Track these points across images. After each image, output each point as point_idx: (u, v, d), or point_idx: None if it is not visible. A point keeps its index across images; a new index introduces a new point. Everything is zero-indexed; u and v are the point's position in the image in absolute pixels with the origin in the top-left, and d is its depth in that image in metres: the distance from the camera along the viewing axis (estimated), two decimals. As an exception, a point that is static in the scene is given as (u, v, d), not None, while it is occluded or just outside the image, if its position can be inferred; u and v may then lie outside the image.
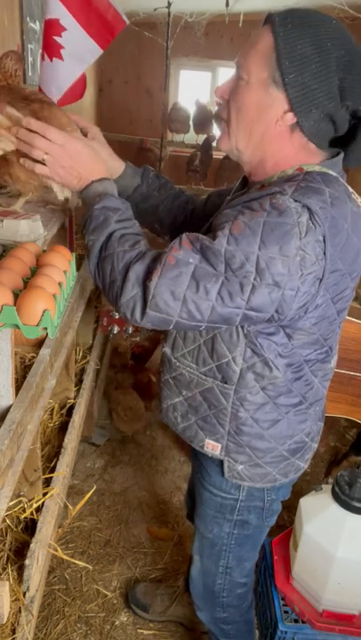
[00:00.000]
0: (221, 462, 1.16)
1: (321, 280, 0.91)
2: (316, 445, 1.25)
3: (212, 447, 1.14)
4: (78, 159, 1.07)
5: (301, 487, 2.44)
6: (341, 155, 1.00)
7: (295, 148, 0.98)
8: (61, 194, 1.23)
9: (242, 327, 1.00)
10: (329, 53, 0.88)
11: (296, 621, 1.63)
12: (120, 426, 2.65)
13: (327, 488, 1.64)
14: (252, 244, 0.87)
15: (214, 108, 4.49)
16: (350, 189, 0.99)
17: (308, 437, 1.17)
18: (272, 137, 0.97)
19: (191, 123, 4.46)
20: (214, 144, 4.35)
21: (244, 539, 1.25)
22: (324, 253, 0.89)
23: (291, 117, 0.93)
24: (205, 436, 1.14)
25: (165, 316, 0.92)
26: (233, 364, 1.04)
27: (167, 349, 1.17)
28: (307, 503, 1.66)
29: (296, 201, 0.87)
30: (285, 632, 1.61)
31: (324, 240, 0.88)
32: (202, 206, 1.35)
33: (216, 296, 0.90)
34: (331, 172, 0.96)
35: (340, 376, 1.86)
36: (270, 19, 0.92)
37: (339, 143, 1.00)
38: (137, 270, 0.93)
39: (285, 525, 2.15)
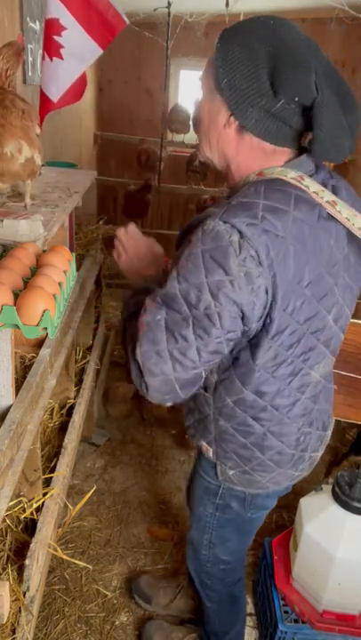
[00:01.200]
0: (214, 465, 1.20)
1: (268, 292, 0.91)
2: (317, 454, 1.24)
3: (206, 449, 1.20)
4: (143, 259, 1.18)
5: (301, 487, 2.43)
6: (305, 153, 1.00)
7: (251, 151, 0.98)
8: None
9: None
10: (256, 52, 0.90)
11: (296, 621, 1.64)
12: (107, 408, 2.80)
13: (327, 488, 1.64)
14: (199, 275, 0.89)
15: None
16: (318, 188, 0.96)
17: (295, 449, 1.14)
18: (225, 141, 1.00)
19: (191, 123, 4.47)
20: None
21: (225, 521, 1.30)
22: (262, 266, 0.89)
23: (233, 120, 0.96)
24: (201, 438, 1.19)
25: (162, 377, 0.95)
26: (210, 374, 1.08)
27: None
28: (307, 503, 1.66)
29: (225, 222, 0.88)
30: (285, 632, 1.61)
31: (258, 254, 0.88)
32: None
33: (194, 337, 0.92)
34: (289, 175, 0.95)
35: (357, 382, 1.84)
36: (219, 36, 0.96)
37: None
38: (130, 351, 0.98)
39: (285, 525, 2.16)
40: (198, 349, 0.93)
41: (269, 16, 0.95)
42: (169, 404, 1.03)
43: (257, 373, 1.02)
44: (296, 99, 0.88)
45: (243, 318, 0.93)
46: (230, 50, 0.92)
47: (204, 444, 1.19)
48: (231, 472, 1.17)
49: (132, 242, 1.19)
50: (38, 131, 1.48)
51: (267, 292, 0.91)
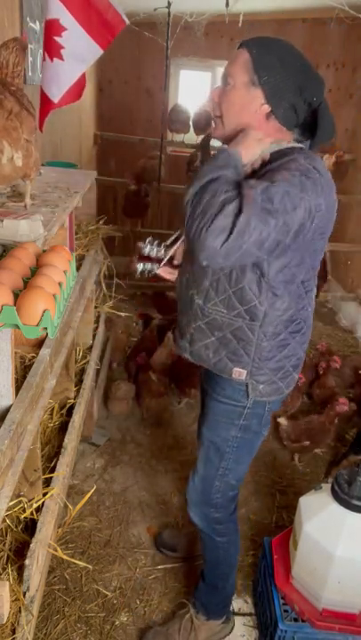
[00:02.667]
0: (245, 385, 1.43)
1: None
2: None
3: (239, 374, 1.42)
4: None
5: (301, 487, 2.44)
6: (308, 142, 1.35)
7: (271, 132, 1.31)
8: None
9: (263, 277, 1.29)
10: (288, 63, 1.27)
11: (296, 620, 1.64)
12: (108, 406, 2.85)
13: (327, 487, 1.64)
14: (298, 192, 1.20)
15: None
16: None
17: (303, 354, 1.51)
18: (254, 122, 1.30)
19: (191, 123, 4.48)
20: (214, 143, 4.36)
21: (244, 442, 1.52)
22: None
23: (266, 108, 1.29)
24: (234, 366, 1.42)
25: (240, 244, 1.15)
26: (259, 306, 1.34)
27: (199, 301, 1.41)
28: (306, 502, 1.66)
29: (309, 163, 1.24)
30: (285, 631, 1.62)
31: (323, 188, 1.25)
32: None
33: (274, 225, 1.18)
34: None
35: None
36: (244, 43, 1.29)
37: (310, 134, 1.33)
38: (232, 207, 1.13)
39: (285, 525, 2.16)
40: (273, 240, 1.17)
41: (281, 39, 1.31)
42: (205, 264, 1.20)
43: (300, 293, 1.36)
44: (314, 99, 1.27)
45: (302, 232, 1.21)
46: (267, 57, 1.26)
47: (237, 369, 1.41)
48: (261, 386, 1.43)
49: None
50: (26, 135, 1.46)
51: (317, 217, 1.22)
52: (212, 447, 1.55)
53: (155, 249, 1.58)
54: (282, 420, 2.63)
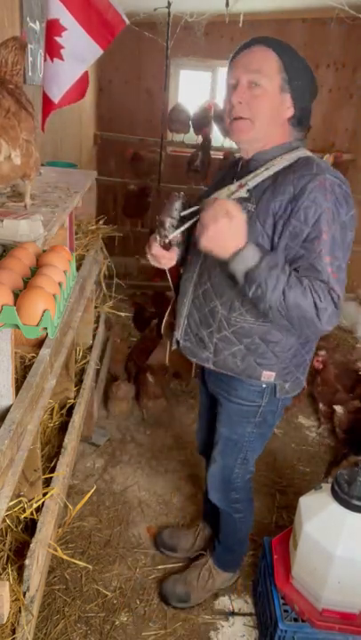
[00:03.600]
0: (273, 386, 1.49)
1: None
2: None
3: (268, 376, 1.46)
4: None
5: (301, 487, 2.44)
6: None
7: (284, 132, 1.39)
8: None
9: None
10: (307, 68, 1.36)
11: (296, 620, 1.64)
12: (108, 406, 2.85)
13: (327, 487, 1.64)
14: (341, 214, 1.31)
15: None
16: None
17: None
18: (278, 125, 1.37)
19: (191, 123, 4.48)
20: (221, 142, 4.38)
21: (258, 435, 1.61)
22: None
23: (291, 111, 1.35)
24: (263, 369, 1.45)
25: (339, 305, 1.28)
26: None
27: (223, 312, 1.42)
28: (306, 502, 1.66)
29: (335, 177, 1.32)
30: (285, 631, 1.61)
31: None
32: None
33: (345, 265, 1.32)
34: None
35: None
36: (266, 43, 1.32)
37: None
38: (324, 299, 1.24)
39: (285, 525, 2.16)
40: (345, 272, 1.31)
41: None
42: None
43: None
44: (312, 103, 1.40)
45: None
46: (295, 62, 1.32)
47: (266, 372, 1.45)
48: (287, 385, 1.50)
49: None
50: (24, 136, 1.45)
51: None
52: (229, 443, 1.62)
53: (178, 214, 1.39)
54: (338, 408, 2.70)
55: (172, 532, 2.14)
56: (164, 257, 1.45)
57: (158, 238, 1.40)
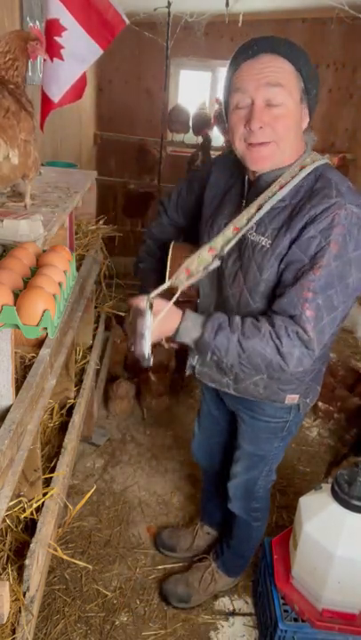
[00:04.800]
0: (297, 406, 1.48)
1: None
2: None
3: (292, 399, 1.44)
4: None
5: (301, 487, 2.44)
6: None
7: (301, 144, 1.26)
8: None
9: None
10: (317, 76, 1.23)
11: (296, 620, 1.64)
12: (108, 405, 2.84)
13: (327, 487, 1.64)
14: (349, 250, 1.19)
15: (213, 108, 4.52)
16: None
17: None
18: (298, 140, 1.24)
19: (191, 123, 4.48)
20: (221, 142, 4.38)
21: (283, 447, 1.62)
22: None
23: (307, 120, 1.24)
24: (287, 394, 1.42)
25: (322, 342, 1.21)
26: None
27: None
28: (306, 502, 1.66)
29: (358, 206, 1.18)
30: (285, 631, 1.61)
31: None
32: (175, 209, 1.61)
33: (342, 306, 1.23)
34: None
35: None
36: (278, 51, 1.14)
37: None
38: (286, 342, 1.17)
39: (285, 525, 2.16)
40: (342, 312, 1.21)
41: None
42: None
43: None
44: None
45: None
46: (311, 69, 1.19)
47: (290, 396, 1.43)
48: (308, 400, 1.50)
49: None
50: (22, 136, 1.45)
51: None
52: (255, 458, 1.61)
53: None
54: None
55: (171, 532, 2.14)
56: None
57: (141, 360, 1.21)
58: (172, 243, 1.50)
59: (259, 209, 1.22)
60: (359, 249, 1.16)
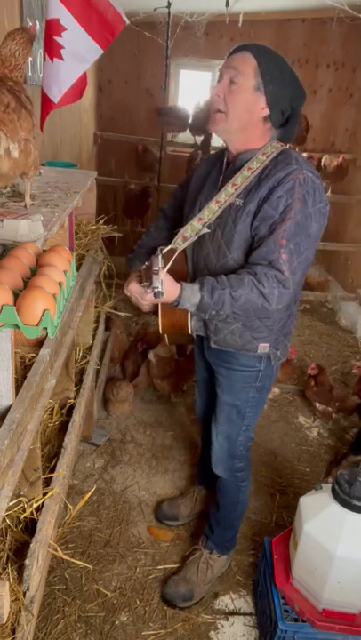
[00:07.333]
0: (267, 356, 1.65)
1: None
2: None
3: (263, 347, 1.62)
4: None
5: (301, 487, 2.44)
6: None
7: (264, 132, 1.52)
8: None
9: None
10: (285, 74, 1.47)
11: (296, 620, 1.64)
12: (109, 408, 2.86)
13: (327, 487, 1.64)
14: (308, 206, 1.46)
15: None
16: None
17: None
18: (253, 123, 1.50)
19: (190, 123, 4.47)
20: (221, 142, 4.37)
21: (259, 400, 1.76)
22: None
23: (266, 111, 1.47)
24: (259, 342, 1.61)
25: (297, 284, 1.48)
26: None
27: None
28: (306, 502, 1.66)
29: (311, 172, 1.47)
30: (285, 631, 1.61)
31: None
32: (174, 209, 1.85)
33: (308, 251, 1.49)
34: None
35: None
36: (249, 48, 1.45)
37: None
38: (267, 285, 1.40)
39: (285, 525, 2.16)
40: (306, 258, 1.45)
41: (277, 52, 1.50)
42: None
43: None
44: (296, 107, 1.51)
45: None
46: (271, 68, 1.44)
47: (261, 344, 1.61)
48: (279, 352, 1.67)
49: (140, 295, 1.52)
50: (23, 134, 1.45)
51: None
52: (233, 410, 1.75)
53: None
54: None
55: (170, 503, 2.26)
56: (144, 299, 1.51)
57: (149, 292, 1.42)
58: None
59: (234, 186, 1.50)
60: (315, 205, 1.43)
